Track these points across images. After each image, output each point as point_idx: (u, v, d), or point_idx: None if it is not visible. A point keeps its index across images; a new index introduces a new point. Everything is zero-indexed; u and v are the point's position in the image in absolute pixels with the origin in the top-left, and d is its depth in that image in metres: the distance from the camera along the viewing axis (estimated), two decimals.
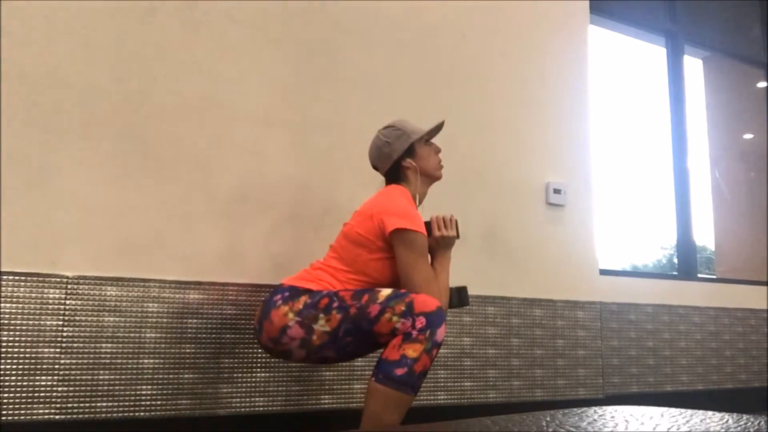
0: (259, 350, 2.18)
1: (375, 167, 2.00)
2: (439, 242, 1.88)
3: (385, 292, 1.69)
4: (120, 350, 1.98)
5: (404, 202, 1.83)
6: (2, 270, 1.87)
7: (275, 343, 1.74)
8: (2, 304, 1.86)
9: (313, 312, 1.69)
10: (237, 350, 2.16)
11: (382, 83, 2.58)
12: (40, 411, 1.86)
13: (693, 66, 4.40)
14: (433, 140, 2.01)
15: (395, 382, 1.57)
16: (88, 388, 1.93)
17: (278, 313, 1.72)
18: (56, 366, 1.90)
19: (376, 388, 1.59)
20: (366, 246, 1.80)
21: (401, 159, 1.91)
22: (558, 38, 3.09)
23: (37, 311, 1.90)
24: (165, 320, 2.06)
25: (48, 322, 1.91)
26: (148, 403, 2.00)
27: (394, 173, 1.94)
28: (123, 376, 1.98)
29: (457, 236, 1.91)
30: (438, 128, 1.98)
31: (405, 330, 1.62)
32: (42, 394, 1.87)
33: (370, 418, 1.60)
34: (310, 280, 1.80)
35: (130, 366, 1.99)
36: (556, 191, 2.92)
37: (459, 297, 1.92)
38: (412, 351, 1.58)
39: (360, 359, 2.34)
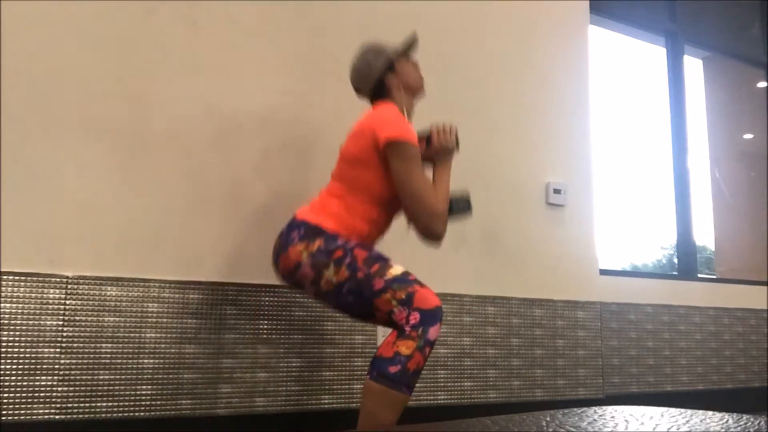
0: (259, 350, 2.18)
1: (358, 90, 1.98)
2: (438, 151, 1.87)
3: (395, 270, 1.70)
4: (120, 350, 1.98)
5: (394, 113, 1.82)
6: (2, 270, 1.87)
7: (291, 275, 1.78)
8: (2, 304, 1.86)
9: (325, 259, 1.71)
10: (237, 350, 2.16)
11: None
12: (40, 411, 1.86)
13: (693, 66, 4.40)
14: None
15: (389, 379, 1.58)
16: (88, 388, 1.93)
17: (295, 249, 1.74)
18: (56, 366, 1.90)
19: (371, 386, 1.61)
20: (362, 163, 1.79)
21: (383, 76, 1.91)
22: (558, 38, 3.09)
23: (37, 311, 1.90)
24: (165, 320, 2.06)
25: (48, 322, 1.91)
26: (148, 403, 2.00)
27: (377, 92, 1.93)
28: (123, 376, 1.98)
29: (457, 148, 1.89)
30: (413, 41, 1.97)
31: (399, 319, 1.64)
32: (42, 394, 1.87)
33: (366, 416, 1.61)
34: (321, 212, 1.79)
35: (130, 366, 1.99)
36: (556, 191, 2.92)
37: (461, 203, 1.89)
38: (405, 348, 1.60)
39: (360, 359, 2.34)
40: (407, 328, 1.62)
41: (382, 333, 2.40)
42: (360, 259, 1.71)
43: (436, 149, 1.87)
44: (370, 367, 1.63)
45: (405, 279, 1.69)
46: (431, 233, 1.78)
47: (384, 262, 1.73)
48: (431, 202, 1.75)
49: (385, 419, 1.59)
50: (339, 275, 1.70)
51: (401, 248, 2.28)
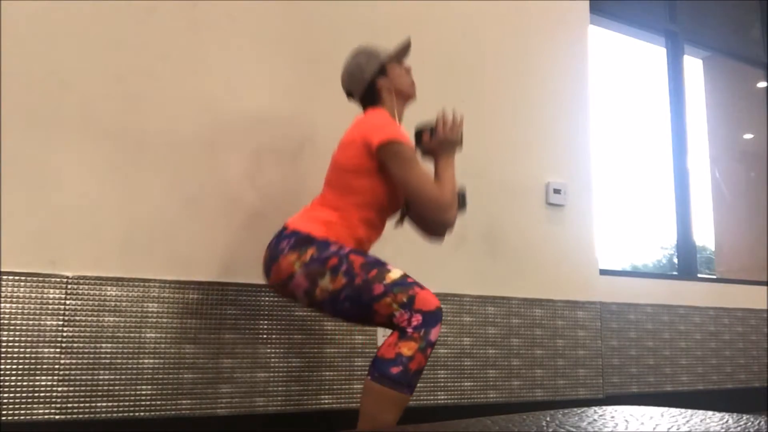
0: (259, 350, 2.18)
1: (349, 93, 1.97)
2: (442, 144, 1.84)
3: (394, 274, 1.69)
4: (120, 350, 1.98)
5: (384, 117, 1.81)
6: (2, 270, 1.87)
7: (283, 287, 1.77)
8: (2, 304, 1.86)
9: (320, 268, 1.69)
10: (237, 350, 2.16)
11: None
12: (40, 411, 1.86)
13: (693, 66, 4.40)
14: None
15: (391, 380, 1.58)
16: (88, 388, 1.93)
17: (286, 260, 1.72)
18: (56, 366, 1.90)
19: (371, 387, 1.60)
20: (355, 171, 1.79)
21: (374, 80, 1.90)
22: (558, 38, 3.09)
23: (37, 311, 1.90)
24: (165, 320, 2.06)
25: (48, 322, 1.91)
26: (148, 403, 2.00)
27: (369, 96, 1.92)
28: (123, 376, 1.98)
29: (460, 144, 1.87)
30: (406, 46, 1.97)
31: (401, 322, 1.63)
32: (42, 394, 1.87)
33: (367, 416, 1.61)
34: (311, 221, 1.78)
35: (130, 366, 1.99)
36: (556, 191, 2.92)
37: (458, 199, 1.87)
38: (407, 349, 1.59)
39: (360, 359, 2.34)
40: (409, 330, 1.61)
41: (383, 333, 2.40)
42: (357, 265, 1.69)
43: (440, 141, 1.84)
44: (371, 367, 1.62)
45: (404, 282, 1.68)
46: (441, 224, 1.78)
47: (381, 266, 1.71)
48: (435, 194, 1.74)
49: (386, 420, 1.58)
50: (335, 283, 1.68)
51: (401, 248, 2.28)
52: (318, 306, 1.76)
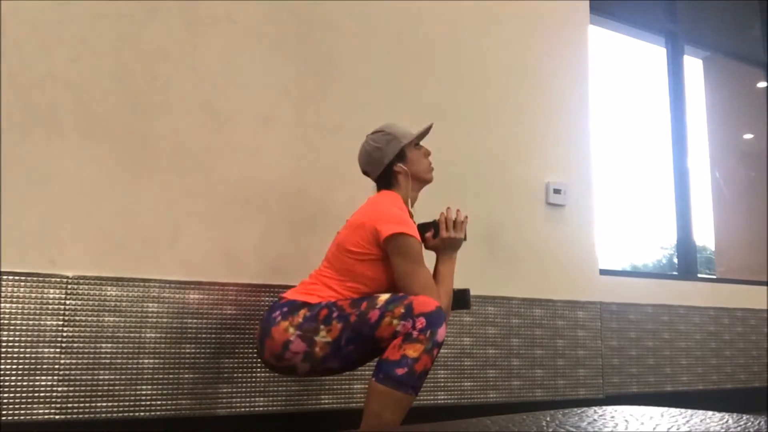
0: None
1: (365, 173, 1.98)
2: (445, 243, 1.87)
3: (384, 296, 1.69)
4: (120, 350, 1.98)
5: (395, 209, 1.82)
6: (2, 270, 1.87)
7: (279, 360, 1.73)
8: (2, 304, 1.86)
9: (313, 324, 1.69)
10: (237, 350, 2.16)
11: (381, 84, 2.58)
12: (40, 411, 1.86)
13: (693, 66, 4.40)
14: (427, 144, 2.00)
15: (396, 381, 1.57)
16: (88, 388, 1.93)
17: (279, 329, 1.71)
18: (56, 366, 1.90)
19: (376, 388, 1.59)
20: (358, 255, 1.79)
21: (392, 163, 1.90)
22: (558, 38, 3.09)
23: (37, 311, 1.90)
24: (165, 320, 2.06)
25: (48, 322, 1.91)
26: (148, 403, 2.00)
27: (385, 178, 1.93)
28: (123, 376, 1.98)
29: (465, 238, 1.89)
30: (427, 131, 1.97)
31: (406, 332, 1.61)
32: (42, 394, 1.87)
33: (371, 417, 1.60)
34: (307, 293, 1.79)
35: (130, 366, 1.99)
36: (556, 191, 2.92)
37: (461, 299, 1.89)
38: (412, 351, 1.58)
39: None
40: (414, 333, 1.60)
41: None
42: (347, 306, 1.70)
43: (444, 241, 1.86)
44: (376, 369, 1.62)
45: (396, 297, 1.68)
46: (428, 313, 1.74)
47: (369, 296, 1.71)
48: (427, 290, 1.73)
49: (390, 420, 1.58)
50: (332, 332, 1.67)
51: None
52: (321, 365, 1.72)
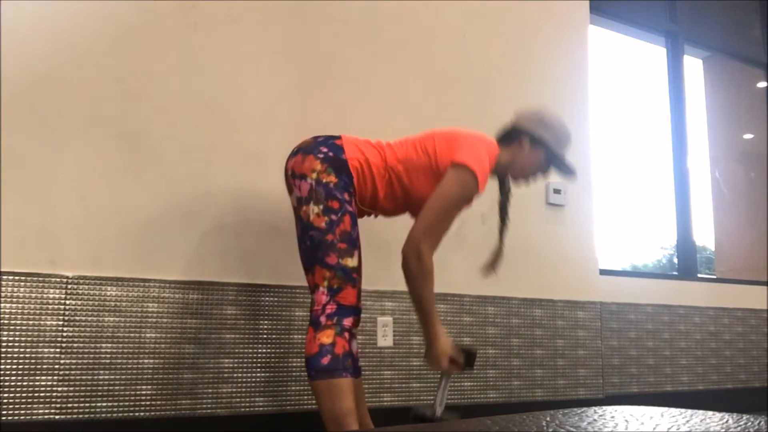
0: (260, 350, 2.18)
1: (514, 121, 1.94)
2: (433, 359, 1.76)
3: (350, 262, 1.70)
4: (120, 350, 1.98)
5: (487, 152, 1.81)
6: (2, 270, 1.87)
7: (291, 175, 1.79)
8: (2, 304, 1.86)
9: (322, 197, 1.72)
10: (237, 350, 2.16)
11: (381, 84, 2.58)
12: (40, 411, 1.86)
13: (693, 66, 4.40)
14: None
15: (326, 371, 1.61)
16: (88, 388, 1.93)
17: (311, 162, 1.74)
18: (56, 366, 1.90)
19: (314, 386, 1.64)
20: (423, 159, 1.79)
21: (531, 138, 1.88)
22: (558, 38, 3.09)
23: (37, 311, 1.90)
24: (165, 320, 2.06)
25: (48, 322, 1.91)
26: (148, 403, 2.00)
27: (512, 135, 1.92)
28: (123, 376, 1.98)
29: (464, 366, 1.78)
30: (569, 169, 1.94)
31: (318, 302, 1.67)
32: (42, 394, 1.87)
33: (326, 413, 1.63)
34: (357, 152, 1.78)
35: (130, 366, 1.99)
36: (556, 191, 2.92)
37: (466, 359, 1.80)
38: (326, 338, 1.64)
39: (360, 359, 2.34)
40: (322, 319, 1.66)
41: (382, 333, 2.41)
42: (340, 227, 1.71)
43: (432, 358, 1.77)
44: (306, 369, 1.66)
45: (348, 274, 1.70)
46: (406, 250, 1.74)
47: (351, 247, 1.72)
48: (432, 235, 1.74)
49: (341, 408, 1.61)
50: (318, 220, 1.71)
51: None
52: (296, 216, 1.78)
